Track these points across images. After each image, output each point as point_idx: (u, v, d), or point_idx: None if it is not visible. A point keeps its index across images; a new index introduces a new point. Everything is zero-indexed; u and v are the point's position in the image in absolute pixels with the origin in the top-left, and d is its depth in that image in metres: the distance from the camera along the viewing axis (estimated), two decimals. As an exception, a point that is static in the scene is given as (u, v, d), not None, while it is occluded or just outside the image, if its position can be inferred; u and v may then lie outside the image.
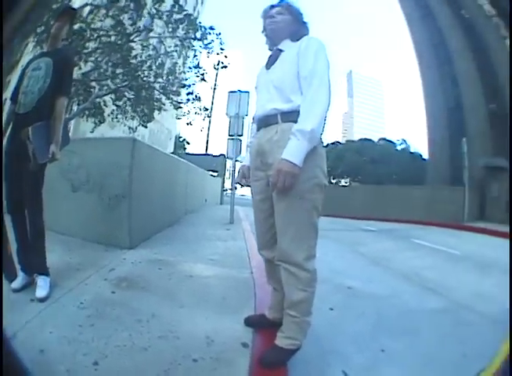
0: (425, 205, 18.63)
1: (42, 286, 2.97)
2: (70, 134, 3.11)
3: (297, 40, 2.31)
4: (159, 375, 1.98)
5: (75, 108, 14.21)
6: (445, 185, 24.11)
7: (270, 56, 2.46)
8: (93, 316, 2.68)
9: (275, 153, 2.14)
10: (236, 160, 10.12)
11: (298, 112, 2.10)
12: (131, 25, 13.78)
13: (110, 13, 13.41)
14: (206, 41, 15.24)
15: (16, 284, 3.00)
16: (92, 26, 13.16)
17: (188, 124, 17.41)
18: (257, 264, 4.51)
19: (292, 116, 2.14)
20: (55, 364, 2.00)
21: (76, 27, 11.40)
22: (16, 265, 3.16)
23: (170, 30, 15.08)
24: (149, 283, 3.53)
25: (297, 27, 2.40)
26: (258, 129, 2.41)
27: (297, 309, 2.19)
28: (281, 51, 2.38)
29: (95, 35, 13.37)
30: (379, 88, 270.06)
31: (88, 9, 13.17)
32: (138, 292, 3.30)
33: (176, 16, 14.75)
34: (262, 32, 2.54)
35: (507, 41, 23.05)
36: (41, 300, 2.84)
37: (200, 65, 16.11)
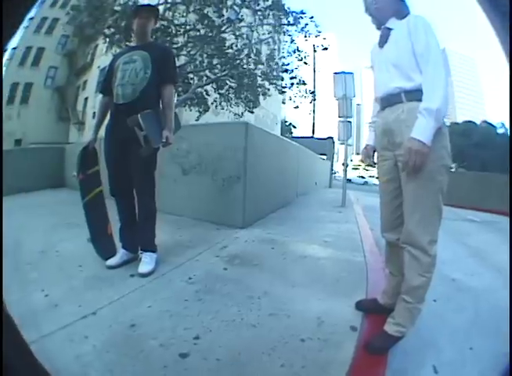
0: (522, 197, 17.01)
1: (147, 262, 3.12)
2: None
3: (403, 18, 2.26)
4: (264, 352, 1.95)
5: (175, 99, 14.76)
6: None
7: (381, 34, 2.39)
8: (202, 291, 2.74)
9: (404, 133, 2.10)
10: (348, 145, 9.95)
11: (421, 90, 2.05)
12: (219, 17, 14.05)
13: (191, 9, 13.80)
14: (300, 26, 15.17)
15: (113, 261, 3.18)
16: (175, 22, 13.68)
17: (295, 107, 17.49)
18: (370, 248, 4.40)
19: (416, 94, 2.09)
20: (144, 339, 2.04)
21: (157, 25, 11.93)
22: (115, 244, 3.38)
23: (261, 17, 15.14)
24: (262, 262, 3.57)
25: (399, 5, 2.33)
26: (383, 109, 2.35)
27: (413, 294, 2.14)
28: (390, 29, 2.32)
29: (182, 30, 13.90)
30: (473, 66, 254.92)
31: (162, 7, 13.60)
32: (250, 270, 3.34)
33: (264, 4, 14.78)
34: (365, 12, 2.47)
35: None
36: (144, 275, 2.97)
37: (300, 49, 16.03)
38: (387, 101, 2.26)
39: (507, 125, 48.10)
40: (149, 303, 2.47)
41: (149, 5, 3.29)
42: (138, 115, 2.89)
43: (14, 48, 24.87)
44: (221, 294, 2.70)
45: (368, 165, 2.70)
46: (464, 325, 2.79)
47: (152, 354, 1.89)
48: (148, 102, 3.04)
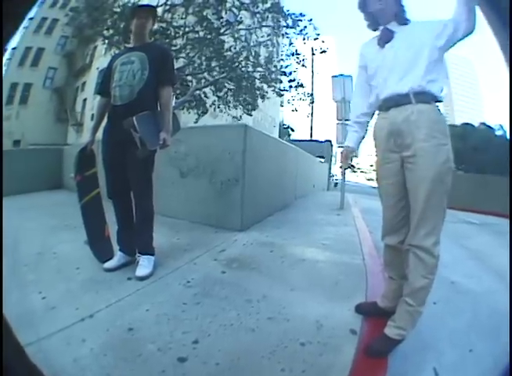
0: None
1: (145, 265, 3.10)
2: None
3: (403, 24, 2.31)
4: (264, 356, 1.95)
5: (173, 101, 14.83)
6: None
7: (382, 34, 2.38)
8: (200, 294, 2.73)
9: (415, 134, 2.11)
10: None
11: (428, 92, 2.13)
12: (217, 19, 14.09)
13: (190, 11, 13.82)
14: (299, 28, 15.16)
15: (110, 264, 3.17)
16: (174, 24, 13.70)
17: (293, 110, 17.56)
18: (369, 251, 4.38)
19: (425, 96, 2.14)
20: (142, 343, 2.03)
21: (155, 26, 11.96)
22: (113, 246, 3.37)
23: (260, 20, 15.18)
24: (261, 265, 3.55)
25: (400, 10, 2.34)
26: (387, 109, 2.31)
27: (415, 296, 2.15)
28: (393, 31, 2.31)
29: (181, 32, 13.92)
30: (471, 67, 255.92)
31: (161, 9, 13.61)
32: (249, 273, 3.32)
33: (263, 7, 14.81)
34: (359, 8, 2.46)
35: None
36: (141, 279, 2.96)
37: (299, 51, 16.06)
38: (395, 101, 2.23)
39: (506, 128, 48.15)
40: (147, 307, 2.46)
41: (147, 5, 3.28)
42: (134, 117, 2.87)
43: (14, 49, 24.92)
44: (220, 297, 2.69)
45: (347, 168, 2.69)
46: (464, 327, 2.79)
47: (150, 358, 1.88)
48: (145, 103, 3.03)
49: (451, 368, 2.21)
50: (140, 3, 3.29)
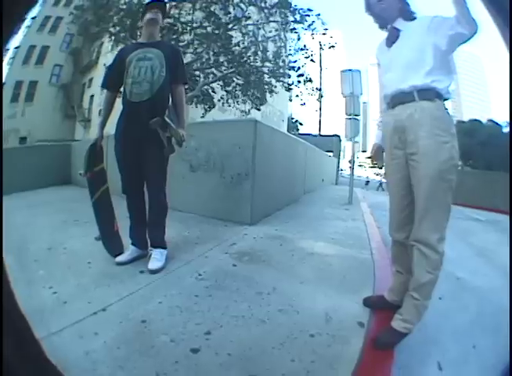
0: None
1: (157, 258, 3.13)
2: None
3: (410, 19, 2.33)
4: (274, 347, 1.98)
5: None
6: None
7: (389, 34, 2.41)
8: (212, 287, 2.76)
9: (417, 131, 2.14)
10: (355, 142, 9.93)
11: (432, 90, 2.14)
12: (225, 15, 14.05)
13: (198, 6, 13.76)
14: (307, 23, 15.08)
15: (122, 258, 3.19)
16: (182, 20, 13.63)
17: (302, 105, 17.42)
18: (377, 245, 4.42)
19: (428, 93, 2.15)
20: (155, 335, 2.06)
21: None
22: (122, 241, 3.39)
23: (267, 15, 15.11)
24: (271, 258, 3.59)
25: (404, 5, 2.37)
26: (393, 106, 2.35)
27: (421, 291, 2.18)
28: (399, 30, 2.33)
29: (188, 28, 13.85)
30: (479, 63, 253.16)
31: (168, 5, 13.47)
32: (259, 266, 3.36)
33: (270, 2, 14.76)
34: (366, 11, 2.48)
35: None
36: (154, 272, 2.98)
37: (307, 46, 15.98)
38: (400, 99, 2.27)
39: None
40: (160, 299, 2.49)
41: (158, 0, 3.27)
42: (165, 117, 2.93)
43: (16, 47, 24.98)
44: (231, 290, 2.73)
45: (380, 167, 2.72)
46: (468, 323, 2.81)
47: (163, 349, 1.91)
48: (163, 101, 3.06)
49: (454, 363, 2.23)
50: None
